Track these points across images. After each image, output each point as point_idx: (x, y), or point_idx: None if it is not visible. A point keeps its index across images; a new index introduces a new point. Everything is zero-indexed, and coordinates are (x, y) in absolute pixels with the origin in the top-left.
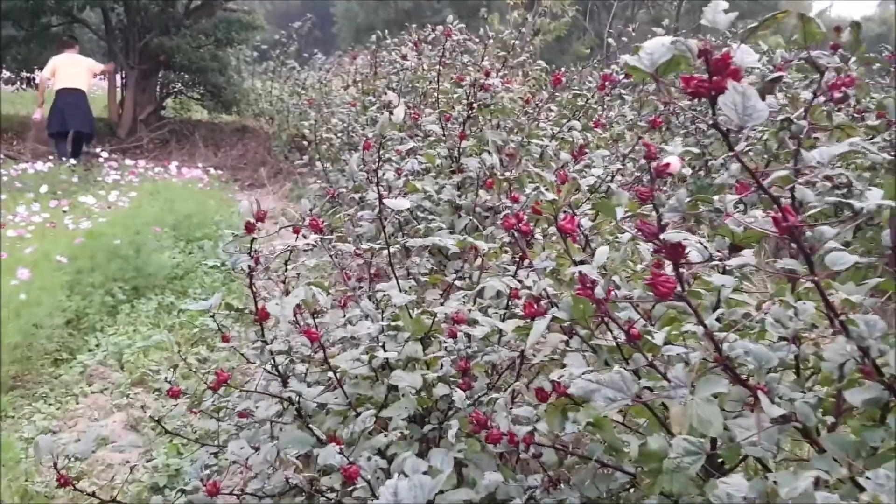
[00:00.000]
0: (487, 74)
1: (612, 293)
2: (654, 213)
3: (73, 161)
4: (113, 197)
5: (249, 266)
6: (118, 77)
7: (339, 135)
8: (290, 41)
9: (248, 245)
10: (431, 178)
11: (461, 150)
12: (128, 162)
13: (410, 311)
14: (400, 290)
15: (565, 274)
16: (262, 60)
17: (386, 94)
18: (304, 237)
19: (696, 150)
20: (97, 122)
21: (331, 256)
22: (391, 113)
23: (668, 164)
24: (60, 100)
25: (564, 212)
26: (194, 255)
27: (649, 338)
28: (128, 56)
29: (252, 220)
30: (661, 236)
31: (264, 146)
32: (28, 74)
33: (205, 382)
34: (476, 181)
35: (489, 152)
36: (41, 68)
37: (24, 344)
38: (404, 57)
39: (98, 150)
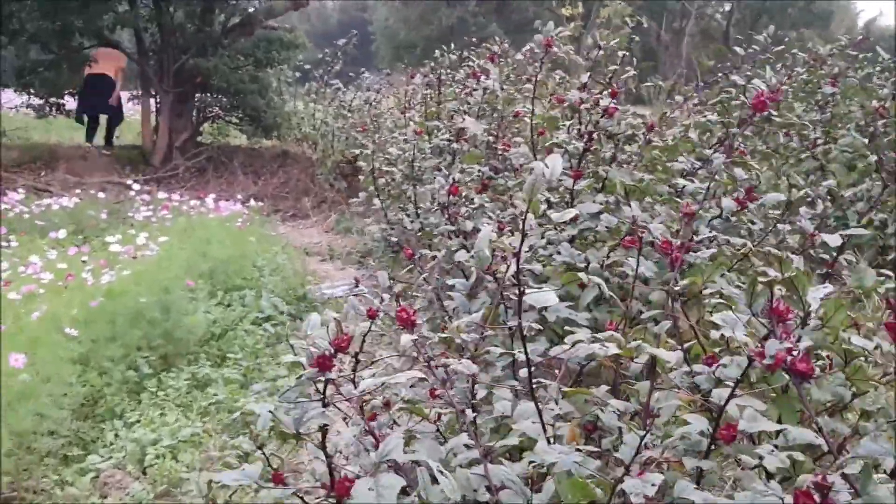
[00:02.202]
0: (615, 95)
1: None
2: None
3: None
4: (142, 240)
5: (322, 426)
6: (152, 102)
7: (401, 167)
8: (334, 59)
9: (322, 391)
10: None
11: (574, 192)
12: (161, 195)
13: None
14: (547, 438)
15: None
16: (303, 81)
17: (462, 118)
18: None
19: None
20: (131, 151)
21: (428, 368)
22: (545, 163)
23: None
24: (85, 83)
25: None
26: (233, 307)
27: None
28: (162, 79)
29: (329, 354)
30: None
31: (307, 173)
32: (58, 100)
33: None
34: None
35: (621, 200)
36: (72, 94)
37: (21, 446)
38: (476, 74)
39: (130, 182)
